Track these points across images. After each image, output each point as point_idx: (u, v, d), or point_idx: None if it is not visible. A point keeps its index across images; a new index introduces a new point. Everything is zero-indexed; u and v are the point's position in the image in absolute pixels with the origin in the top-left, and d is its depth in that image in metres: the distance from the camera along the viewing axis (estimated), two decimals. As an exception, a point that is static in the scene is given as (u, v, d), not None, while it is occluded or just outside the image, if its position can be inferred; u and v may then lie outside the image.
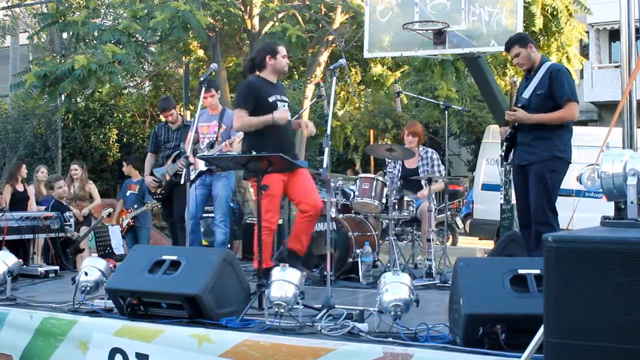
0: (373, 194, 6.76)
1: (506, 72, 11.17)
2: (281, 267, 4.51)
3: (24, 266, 6.60)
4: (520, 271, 3.94)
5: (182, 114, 8.72)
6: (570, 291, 2.81)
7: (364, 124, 20.44)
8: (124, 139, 18.05)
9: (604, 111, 22.86)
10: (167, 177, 7.81)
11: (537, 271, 3.84)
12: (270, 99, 6.04)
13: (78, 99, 15.86)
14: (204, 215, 8.19)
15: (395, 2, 8.63)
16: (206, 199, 7.38)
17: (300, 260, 5.96)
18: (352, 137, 19.95)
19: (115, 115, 18.19)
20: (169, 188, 7.85)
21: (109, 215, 9.12)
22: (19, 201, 9.40)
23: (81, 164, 9.96)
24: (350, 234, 6.83)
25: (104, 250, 8.88)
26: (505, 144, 5.85)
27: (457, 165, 26.30)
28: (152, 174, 8.01)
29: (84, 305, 4.96)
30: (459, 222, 17.18)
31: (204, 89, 6.65)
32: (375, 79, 13.43)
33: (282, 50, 6.18)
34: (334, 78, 5.54)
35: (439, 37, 8.25)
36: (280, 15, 12.66)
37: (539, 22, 9.69)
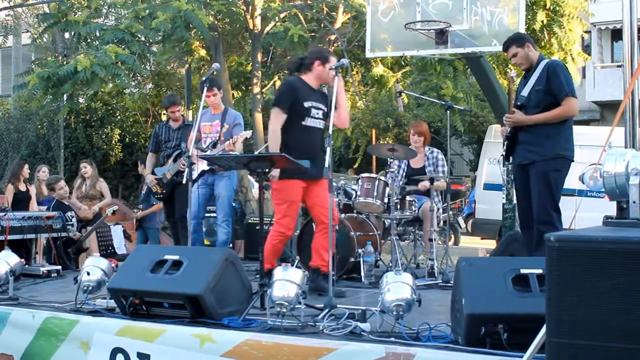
0: (375, 193, 6.76)
1: (508, 71, 11.16)
2: (283, 266, 4.51)
3: (26, 266, 6.62)
4: (523, 271, 3.94)
5: (183, 113, 8.71)
6: (572, 291, 2.80)
7: (365, 124, 20.41)
8: (126, 139, 18.06)
9: (606, 111, 22.85)
10: (169, 176, 7.81)
11: (539, 271, 3.83)
12: (306, 104, 5.88)
13: (80, 99, 15.88)
14: (206, 214, 8.19)
15: (397, 1, 8.63)
16: (208, 199, 7.37)
17: (326, 279, 5.40)
18: (352, 137, 19.91)
19: (117, 115, 18.20)
20: (171, 188, 7.85)
21: (113, 213, 9.12)
22: (21, 201, 9.40)
23: (90, 162, 9.94)
24: (352, 233, 6.83)
25: (106, 249, 8.88)
26: (506, 143, 5.83)
27: (459, 164, 26.28)
28: (153, 173, 8.01)
29: (86, 304, 4.97)
30: (461, 222, 17.18)
31: (206, 88, 6.64)
32: (376, 79, 13.42)
33: (333, 60, 5.94)
34: (336, 77, 5.52)
35: (441, 36, 8.24)
36: (282, 15, 12.66)
37: (540, 16, 9.69)
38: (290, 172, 5.60)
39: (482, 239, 15.73)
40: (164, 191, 7.92)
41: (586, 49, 19.39)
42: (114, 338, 4.53)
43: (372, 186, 6.79)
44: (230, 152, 6.83)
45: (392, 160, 7.59)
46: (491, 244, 13.82)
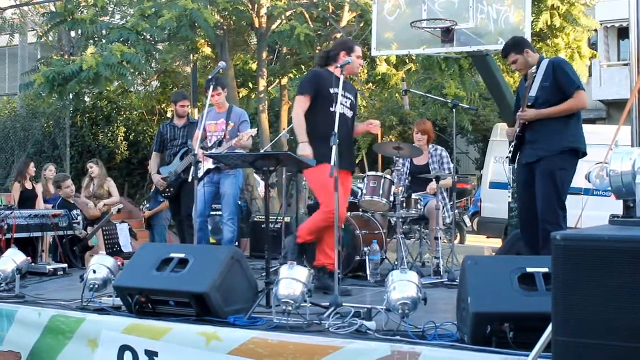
0: (381, 192, 6.75)
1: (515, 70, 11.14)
2: (289, 265, 4.51)
3: (33, 264, 6.63)
4: (529, 270, 3.93)
5: (189, 112, 8.72)
6: (579, 290, 2.80)
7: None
8: (132, 137, 18.08)
9: (612, 109, 22.80)
10: (176, 175, 7.82)
11: (546, 270, 3.83)
12: (332, 91, 5.83)
13: (86, 98, 15.89)
14: (212, 213, 8.19)
15: (403, 0, 8.62)
16: (214, 197, 7.38)
17: (332, 277, 5.29)
18: (361, 138, 19.93)
19: (123, 114, 18.22)
20: (178, 186, 7.86)
21: (119, 211, 9.14)
22: (27, 199, 9.43)
23: (97, 161, 9.95)
24: (358, 232, 6.84)
25: (112, 248, 8.90)
26: (513, 144, 5.81)
27: (465, 163, 26.27)
28: (159, 173, 8.02)
29: (92, 303, 4.97)
30: (467, 221, 17.16)
31: (211, 87, 6.65)
32: (380, 77, 13.40)
33: (358, 50, 6.01)
34: (342, 76, 5.52)
35: (447, 35, 8.23)
36: (288, 14, 12.66)
37: (545, 16, 9.68)
38: (323, 157, 5.51)
39: (488, 237, 15.71)
40: (172, 190, 7.93)
41: (592, 47, 19.33)
42: (121, 336, 4.54)
43: (378, 185, 6.79)
44: (237, 150, 6.83)
45: (397, 158, 7.59)
46: (497, 243, 13.81)
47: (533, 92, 5.61)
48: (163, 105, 18.25)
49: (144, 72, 13.41)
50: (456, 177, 7.40)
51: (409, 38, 8.63)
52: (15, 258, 5.64)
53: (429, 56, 10.25)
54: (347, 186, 6.11)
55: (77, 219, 7.96)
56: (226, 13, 12.68)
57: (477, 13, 8.16)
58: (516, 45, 5.83)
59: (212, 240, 8.59)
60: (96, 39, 12.23)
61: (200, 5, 10.95)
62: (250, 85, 15.98)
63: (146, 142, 17.77)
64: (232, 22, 13.37)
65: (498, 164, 14.17)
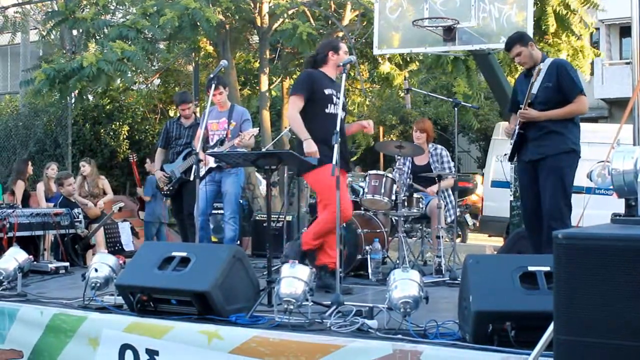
0: (382, 190, 6.75)
1: (517, 68, 11.13)
2: (290, 263, 4.51)
3: (35, 262, 6.64)
4: (530, 268, 3.93)
5: (195, 111, 8.73)
6: (581, 288, 2.80)
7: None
8: (134, 136, 18.09)
9: (614, 108, 22.78)
10: (177, 174, 7.83)
11: (547, 268, 3.83)
12: (327, 91, 5.93)
13: (89, 96, 15.88)
14: (214, 211, 8.20)
15: (405, -2, 8.62)
16: (216, 196, 7.39)
17: (333, 276, 5.31)
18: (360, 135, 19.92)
19: (125, 112, 18.23)
20: (179, 185, 7.87)
21: (120, 210, 9.14)
22: (25, 198, 9.45)
23: (89, 160, 9.97)
24: (359, 231, 6.84)
25: (114, 246, 8.91)
26: (513, 141, 5.81)
27: (467, 162, 26.25)
28: (162, 169, 8.03)
29: (94, 301, 4.98)
30: (469, 219, 17.15)
31: (213, 85, 6.65)
32: (384, 76, 13.39)
33: (343, 46, 6.14)
34: (344, 74, 5.53)
35: (449, 33, 8.23)
36: (290, 12, 12.64)
37: (551, 21, 9.68)
38: (324, 158, 5.54)
39: (489, 236, 15.72)
40: (172, 188, 7.94)
41: (594, 45, 19.32)
42: (122, 334, 4.54)
43: (379, 183, 6.79)
44: (238, 149, 6.83)
45: (399, 157, 7.59)
46: (499, 242, 13.81)
47: (534, 90, 5.61)
48: (165, 104, 18.26)
49: (145, 70, 13.40)
50: (456, 176, 7.40)
51: (410, 37, 8.62)
52: (17, 256, 5.65)
53: (437, 56, 10.24)
54: (343, 185, 6.11)
55: (78, 218, 7.96)
56: (228, 13, 12.67)
57: (478, 12, 8.15)
58: (521, 37, 5.85)
59: (213, 239, 8.60)
60: (97, 37, 12.22)
61: (202, 4, 10.94)
62: (252, 84, 15.99)
63: (148, 141, 17.78)
64: (233, 21, 13.36)
65: (500, 162, 14.17)
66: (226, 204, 7.25)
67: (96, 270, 5.08)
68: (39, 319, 4.90)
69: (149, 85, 17.97)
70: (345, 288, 5.69)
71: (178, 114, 8.28)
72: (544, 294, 3.69)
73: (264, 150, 6.66)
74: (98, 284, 5.05)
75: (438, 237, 6.92)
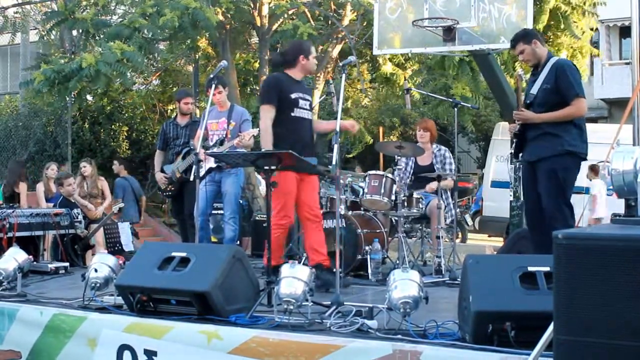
0: (382, 190, 6.75)
1: (515, 69, 11.15)
2: (290, 263, 4.51)
3: (34, 263, 6.63)
4: (530, 268, 3.93)
5: (192, 111, 8.73)
6: (580, 288, 2.80)
7: (371, 122, 20.42)
8: (134, 136, 18.10)
9: (614, 108, 22.77)
10: (178, 174, 7.83)
11: (547, 268, 3.83)
12: (293, 96, 5.99)
13: (88, 96, 15.90)
14: (213, 212, 8.19)
15: (404, -1, 8.62)
16: (215, 196, 7.38)
17: (330, 272, 5.56)
18: (364, 133, 19.91)
19: (124, 112, 18.24)
20: (179, 185, 7.87)
21: (120, 210, 9.14)
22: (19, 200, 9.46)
23: (89, 160, 9.96)
24: (359, 231, 6.83)
25: (114, 246, 8.90)
26: (515, 140, 5.81)
27: (467, 162, 26.25)
28: (162, 171, 8.03)
29: (94, 301, 4.97)
30: (469, 219, 17.17)
31: (213, 85, 6.65)
32: (386, 77, 13.41)
33: (314, 51, 6.20)
34: (344, 75, 5.53)
35: (449, 34, 8.23)
36: (290, 12, 12.65)
37: (544, 18, 9.69)
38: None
39: (489, 236, 15.75)
40: (173, 188, 7.94)
41: (594, 45, 19.33)
42: (121, 335, 4.54)
43: (379, 183, 6.79)
44: (237, 150, 6.83)
45: (399, 157, 7.59)
46: (498, 242, 13.82)
47: (534, 90, 5.60)
48: (164, 104, 18.26)
49: (144, 71, 13.40)
50: (455, 177, 7.40)
51: (410, 37, 8.63)
52: (16, 256, 5.64)
53: (442, 58, 10.26)
54: (313, 186, 6.19)
55: (78, 218, 7.96)
56: (229, 13, 12.67)
57: (478, 12, 8.16)
58: (525, 35, 5.80)
59: (213, 239, 8.59)
60: (97, 38, 12.22)
61: (202, 4, 10.94)
62: (252, 84, 15.99)
63: (147, 141, 17.80)
64: (232, 22, 13.37)
65: (500, 162, 14.20)
66: (226, 204, 7.25)
67: (96, 270, 5.07)
68: (38, 319, 4.90)
69: (149, 85, 17.99)
70: (345, 282, 5.70)
71: (175, 114, 8.27)
72: (544, 294, 3.69)
73: (263, 150, 6.65)
74: (98, 284, 5.04)
75: (438, 238, 6.92)
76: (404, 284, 4.20)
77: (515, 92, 6.40)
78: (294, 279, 4.35)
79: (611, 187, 3.65)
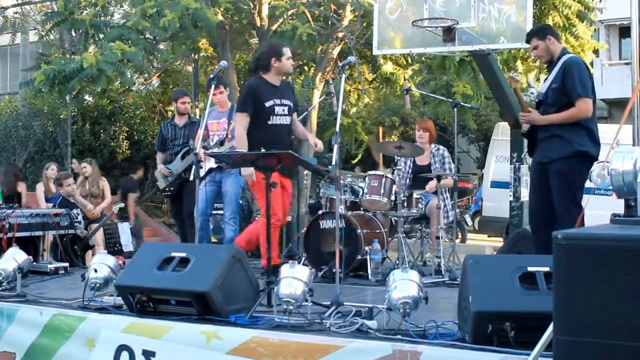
0: (382, 191, 6.75)
1: (516, 68, 11.14)
2: (290, 264, 4.51)
3: (34, 263, 6.63)
4: (530, 268, 3.93)
5: (191, 112, 8.73)
6: (580, 289, 2.80)
7: (371, 122, 20.42)
8: (134, 136, 18.09)
9: (614, 108, 22.78)
10: (176, 174, 7.83)
11: (547, 269, 3.83)
12: (267, 104, 6.11)
13: (88, 97, 15.90)
14: (213, 212, 8.19)
15: (404, -1, 8.62)
16: (215, 196, 7.38)
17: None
18: (362, 133, 19.89)
19: (124, 113, 18.23)
20: (179, 185, 7.87)
21: (120, 210, 9.14)
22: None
23: (90, 160, 9.95)
24: (359, 231, 6.83)
25: (113, 247, 8.90)
26: (527, 141, 5.80)
27: (466, 162, 26.24)
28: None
29: (94, 302, 4.97)
30: (468, 220, 17.16)
31: (213, 86, 6.65)
32: (386, 77, 13.39)
33: (287, 52, 6.22)
34: (343, 75, 5.53)
35: (449, 34, 8.22)
36: (289, 13, 12.64)
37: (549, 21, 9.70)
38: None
39: (489, 236, 15.74)
40: (172, 188, 7.93)
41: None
42: (120, 335, 4.54)
43: (379, 184, 6.79)
44: (238, 150, 6.83)
45: (399, 157, 7.59)
46: (498, 242, 13.82)
47: (543, 89, 5.58)
48: (164, 104, 18.25)
49: (145, 71, 13.40)
50: (456, 177, 7.39)
51: (410, 37, 8.62)
52: (16, 257, 5.64)
53: (443, 58, 10.25)
54: (287, 192, 6.37)
55: (77, 218, 7.96)
56: (228, 14, 12.67)
57: (478, 12, 8.14)
58: (539, 30, 5.75)
59: (213, 239, 8.59)
60: (96, 38, 12.21)
61: (202, 4, 10.93)
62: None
63: (147, 141, 17.78)
64: (232, 22, 13.36)
65: (499, 163, 14.18)
66: (226, 204, 7.25)
67: (96, 270, 5.07)
68: (37, 320, 4.90)
69: (148, 85, 17.97)
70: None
71: (173, 114, 8.27)
72: (544, 294, 3.69)
73: (263, 150, 6.66)
74: (97, 285, 5.04)
75: (437, 238, 6.92)
76: (404, 284, 4.20)
77: (515, 93, 6.39)
78: (293, 279, 4.36)
79: (611, 187, 3.64)
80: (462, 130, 22.08)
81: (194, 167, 6.08)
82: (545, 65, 5.95)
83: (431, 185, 7.32)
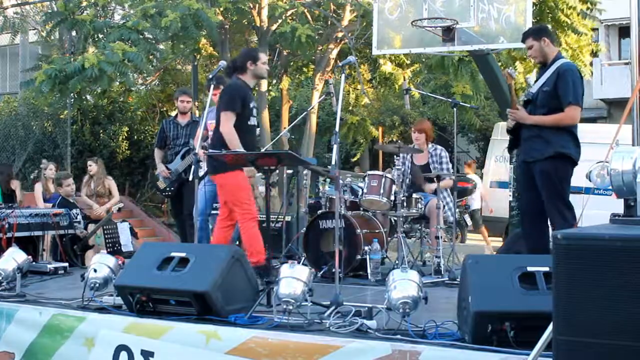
0: (381, 191, 6.74)
1: (516, 67, 11.15)
2: (289, 264, 4.51)
3: (34, 263, 6.62)
4: (529, 268, 3.93)
5: (192, 111, 8.72)
6: (579, 288, 2.80)
7: (370, 122, 20.42)
8: (134, 136, 18.10)
9: (613, 108, 22.78)
10: (176, 174, 7.82)
11: (546, 268, 3.83)
12: (251, 105, 6.24)
13: (88, 97, 15.92)
14: (213, 212, 8.18)
15: (403, -1, 8.63)
16: (215, 196, 7.34)
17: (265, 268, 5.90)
18: (365, 130, 19.89)
19: (124, 112, 18.24)
20: (178, 185, 7.86)
21: (119, 210, 9.13)
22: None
23: (96, 159, 9.92)
24: (358, 231, 6.82)
25: (113, 247, 8.89)
26: (509, 137, 5.82)
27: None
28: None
29: (93, 302, 4.97)
30: (468, 220, 17.14)
31: (212, 85, 6.65)
32: (385, 77, 13.41)
33: (263, 57, 6.36)
34: (343, 75, 5.53)
35: (448, 34, 8.23)
36: (289, 13, 12.65)
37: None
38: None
39: (488, 236, 15.70)
40: (172, 188, 7.93)
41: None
42: (119, 335, 4.54)
43: (378, 183, 6.78)
44: (237, 150, 6.82)
45: (397, 157, 7.58)
46: (498, 242, 13.81)
47: (534, 89, 5.60)
48: (163, 104, 18.26)
49: (145, 71, 13.41)
50: (454, 176, 7.39)
51: (410, 37, 8.62)
52: (16, 257, 5.64)
53: (441, 58, 10.25)
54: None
55: (77, 218, 7.95)
56: (228, 14, 12.68)
57: (477, 12, 8.15)
58: (536, 31, 5.79)
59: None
60: (96, 38, 12.22)
61: (203, 4, 10.94)
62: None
63: (147, 141, 17.79)
64: (232, 22, 13.37)
65: (499, 162, 14.19)
66: (226, 204, 7.23)
67: (95, 270, 5.07)
68: (37, 320, 4.89)
69: (148, 86, 17.98)
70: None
71: (175, 113, 8.26)
72: (543, 294, 3.69)
73: (263, 150, 6.66)
74: (97, 285, 5.04)
75: (437, 238, 6.91)
76: (403, 284, 4.20)
77: (509, 89, 6.40)
78: (293, 279, 4.36)
79: (610, 187, 3.64)
80: (461, 130, 22.09)
81: (193, 167, 6.08)
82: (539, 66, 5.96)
83: (431, 187, 7.32)
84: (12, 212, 7.16)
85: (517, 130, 5.69)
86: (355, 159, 20.70)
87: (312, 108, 12.72)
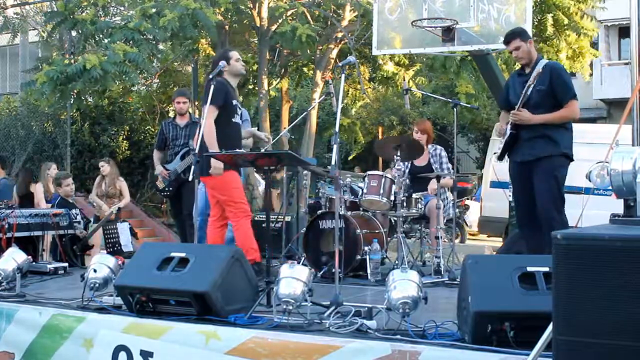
0: (381, 191, 6.74)
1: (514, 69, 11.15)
2: (289, 264, 4.51)
3: (33, 263, 6.62)
4: (529, 269, 3.93)
5: (191, 111, 8.71)
6: (579, 289, 2.80)
7: (370, 122, 20.44)
8: (134, 137, 18.10)
9: (613, 108, 22.78)
10: (175, 174, 7.82)
11: (546, 269, 3.83)
12: (234, 102, 6.32)
13: (88, 97, 15.93)
14: (213, 212, 8.18)
15: (404, -1, 8.63)
16: (214, 196, 7.36)
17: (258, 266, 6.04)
18: (359, 133, 19.91)
19: (124, 113, 18.23)
20: (178, 185, 7.86)
21: (119, 210, 9.13)
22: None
23: (108, 160, 9.90)
24: (358, 231, 6.82)
25: (113, 247, 8.89)
26: (504, 140, 5.82)
27: (466, 162, 26.25)
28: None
29: (93, 302, 4.97)
30: (468, 220, 17.16)
31: (212, 86, 6.64)
32: (387, 76, 13.40)
33: (234, 54, 6.44)
34: (343, 75, 5.54)
35: (448, 34, 8.22)
36: (289, 13, 12.65)
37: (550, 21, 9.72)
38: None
39: (488, 236, 15.72)
40: (170, 188, 7.93)
41: (593, 46, 19.36)
42: (118, 335, 4.54)
43: (378, 184, 6.77)
44: (236, 150, 6.82)
45: (397, 157, 7.58)
46: (498, 242, 13.82)
47: (526, 91, 5.62)
48: (164, 104, 18.26)
49: (146, 71, 13.42)
50: (454, 176, 7.39)
51: (410, 37, 8.62)
52: (15, 257, 5.64)
53: (444, 58, 10.25)
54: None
55: (76, 218, 7.95)
56: (228, 14, 12.68)
57: (477, 12, 8.16)
58: (523, 32, 5.85)
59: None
60: (97, 39, 12.22)
61: (202, 4, 10.94)
62: (251, 85, 16.00)
63: (147, 142, 17.79)
64: (232, 22, 13.38)
65: (499, 162, 14.17)
66: (225, 204, 7.23)
67: (95, 270, 5.07)
68: (37, 320, 4.89)
69: (148, 86, 17.99)
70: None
71: (173, 114, 8.26)
72: (543, 294, 3.69)
73: (262, 150, 6.67)
74: (97, 285, 5.04)
75: (437, 238, 6.91)
76: (403, 284, 4.20)
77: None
78: (293, 279, 4.36)
79: (610, 187, 3.64)
80: (462, 130, 22.10)
81: (193, 167, 6.08)
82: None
83: (432, 187, 7.31)
84: (11, 212, 7.16)
85: (516, 134, 5.69)
86: (351, 157, 20.69)
87: (313, 108, 12.72)
